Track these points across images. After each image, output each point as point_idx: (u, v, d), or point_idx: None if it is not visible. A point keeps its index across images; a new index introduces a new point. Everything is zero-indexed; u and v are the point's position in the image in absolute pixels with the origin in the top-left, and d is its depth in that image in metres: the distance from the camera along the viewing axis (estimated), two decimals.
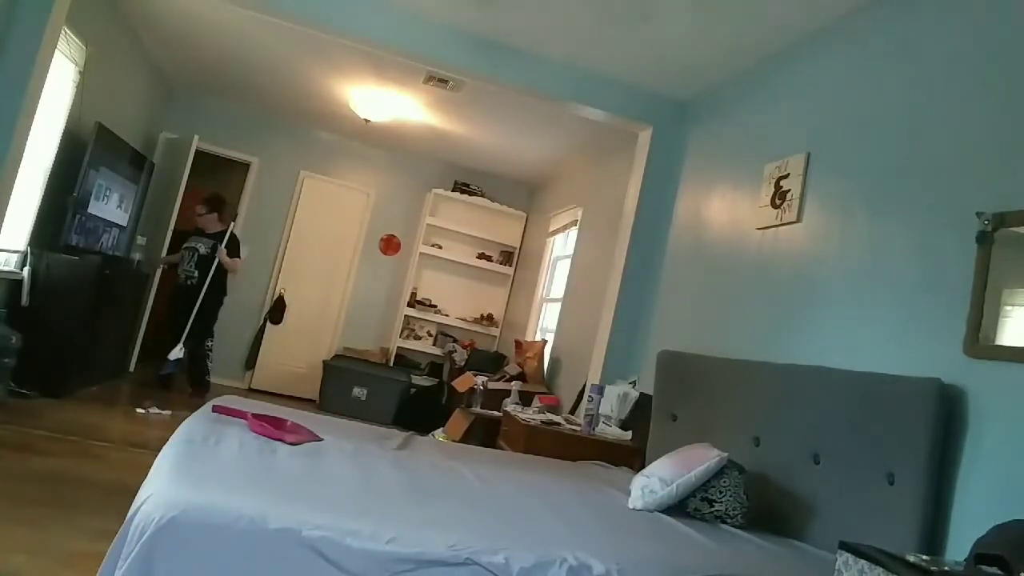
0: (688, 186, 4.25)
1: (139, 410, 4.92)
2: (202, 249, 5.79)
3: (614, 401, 3.98)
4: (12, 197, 3.85)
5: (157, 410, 4.93)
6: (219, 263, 5.74)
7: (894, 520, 2.08)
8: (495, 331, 7.54)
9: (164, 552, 1.47)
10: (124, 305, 5.68)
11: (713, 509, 2.44)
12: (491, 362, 6.66)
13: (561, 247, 6.54)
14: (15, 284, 4.41)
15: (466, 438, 4.71)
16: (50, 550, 2.36)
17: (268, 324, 7.12)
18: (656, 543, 2.05)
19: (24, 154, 3.84)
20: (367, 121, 6.06)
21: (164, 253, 6.28)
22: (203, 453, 1.98)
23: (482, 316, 7.55)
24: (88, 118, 4.83)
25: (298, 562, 1.53)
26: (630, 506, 2.46)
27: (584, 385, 4.51)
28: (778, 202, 3.21)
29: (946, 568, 1.49)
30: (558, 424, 3.80)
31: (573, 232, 6.09)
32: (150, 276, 6.39)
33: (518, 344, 6.16)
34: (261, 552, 1.52)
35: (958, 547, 1.96)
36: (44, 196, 4.62)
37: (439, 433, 5.16)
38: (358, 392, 6.48)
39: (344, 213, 7.46)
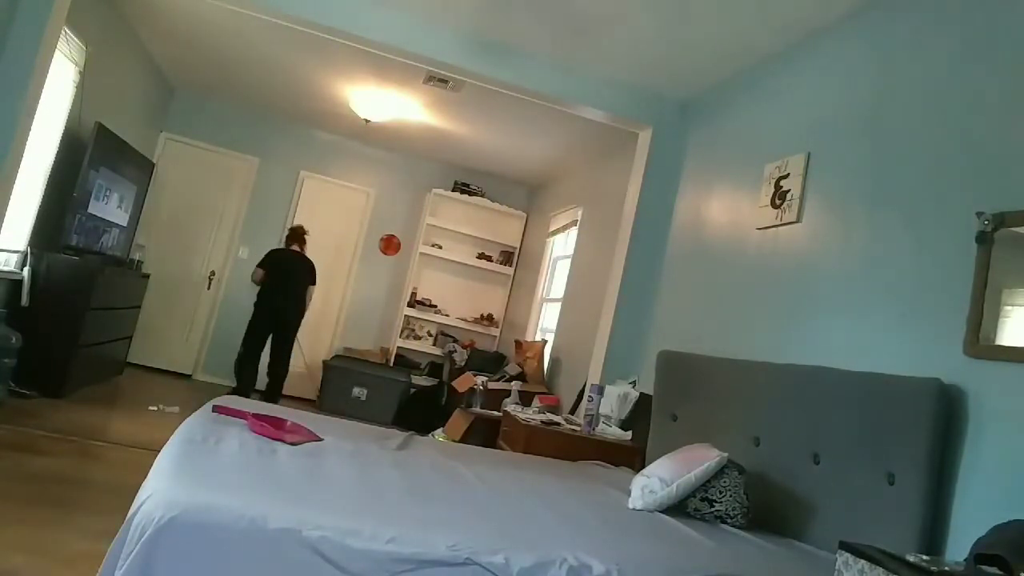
0: (688, 186, 4.25)
1: (152, 407, 5.05)
2: None
3: (614, 401, 3.98)
4: (12, 197, 3.86)
5: (165, 407, 5.08)
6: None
7: (894, 520, 2.08)
8: (495, 331, 7.55)
9: (164, 552, 1.47)
10: (124, 305, 5.68)
11: (713, 509, 2.44)
12: (491, 362, 6.66)
13: (561, 247, 6.54)
14: (15, 284, 4.41)
15: (466, 438, 4.70)
16: (50, 550, 2.36)
17: None
18: (656, 543, 2.05)
19: (24, 154, 3.84)
20: (367, 121, 6.06)
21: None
22: (203, 453, 1.98)
23: (482, 316, 7.55)
24: (88, 118, 4.84)
25: (298, 562, 1.53)
26: (630, 506, 2.46)
27: (584, 385, 4.51)
28: (778, 202, 3.21)
29: (946, 568, 1.49)
30: (558, 424, 3.80)
31: (573, 232, 6.08)
32: (150, 276, 6.41)
33: (518, 344, 6.16)
34: (261, 552, 1.52)
35: (958, 547, 1.96)
36: (44, 196, 4.62)
37: (439, 433, 5.15)
38: (358, 392, 6.48)
39: (344, 213, 7.46)
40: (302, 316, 6.19)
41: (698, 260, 3.90)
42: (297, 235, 6.25)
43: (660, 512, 2.42)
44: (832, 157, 2.98)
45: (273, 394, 6.08)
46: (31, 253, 4.47)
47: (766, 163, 3.37)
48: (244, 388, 5.85)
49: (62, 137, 4.67)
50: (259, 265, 6.02)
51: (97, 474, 3.38)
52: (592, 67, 4.32)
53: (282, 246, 6.35)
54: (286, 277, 6.04)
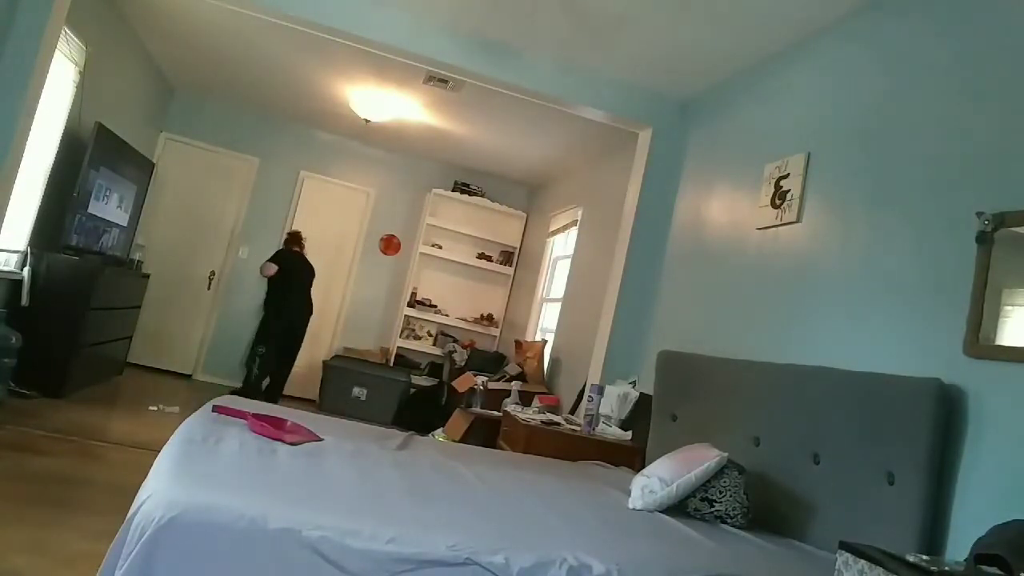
0: (688, 186, 4.25)
1: (152, 407, 5.06)
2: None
3: (614, 401, 3.98)
4: (12, 197, 3.86)
5: (165, 407, 5.10)
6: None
7: (894, 520, 2.08)
8: (495, 331, 7.54)
9: (164, 552, 1.47)
10: (124, 305, 5.68)
11: (713, 509, 2.44)
12: (491, 362, 6.66)
13: (561, 247, 6.54)
14: (15, 284, 4.41)
15: (466, 438, 4.70)
16: (50, 550, 2.36)
17: None
18: (656, 543, 2.05)
19: (24, 154, 3.84)
20: (367, 121, 6.06)
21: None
22: (203, 453, 1.98)
23: (482, 316, 7.55)
24: (88, 118, 4.83)
25: (298, 562, 1.53)
26: (630, 506, 2.46)
27: (584, 385, 4.51)
28: (778, 202, 3.21)
29: (946, 568, 1.49)
30: (558, 424, 3.80)
31: (573, 232, 6.08)
32: (150, 276, 6.42)
33: (518, 344, 6.16)
34: (261, 552, 1.52)
35: (958, 547, 1.96)
36: (44, 196, 4.62)
37: (439, 433, 5.15)
38: (358, 392, 6.48)
39: (344, 213, 7.46)
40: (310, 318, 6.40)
41: (698, 260, 3.90)
42: (296, 239, 6.44)
43: (660, 512, 2.42)
44: (832, 157, 2.98)
45: (273, 394, 6.10)
46: (31, 253, 4.47)
47: (766, 163, 3.37)
48: (251, 389, 5.92)
49: (62, 137, 4.66)
50: (271, 260, 6.19)
51: (97, 474, 3.38)
52: (592, 67, 4.32)
53: (283, 248, 6.53)
54: (296, 278, 6.23)
